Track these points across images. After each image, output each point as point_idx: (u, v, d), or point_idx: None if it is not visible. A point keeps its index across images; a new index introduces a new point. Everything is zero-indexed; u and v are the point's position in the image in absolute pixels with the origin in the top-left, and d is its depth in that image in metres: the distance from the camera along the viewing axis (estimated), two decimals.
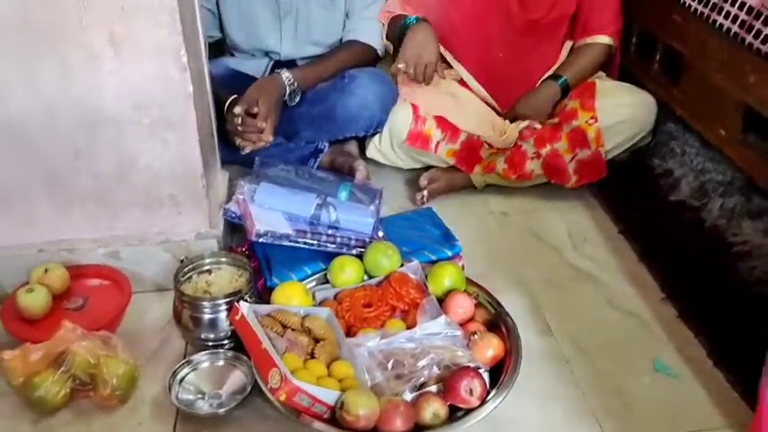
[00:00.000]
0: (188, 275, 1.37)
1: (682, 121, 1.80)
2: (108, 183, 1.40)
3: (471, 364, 1.20)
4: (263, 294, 1.40)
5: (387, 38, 1.92)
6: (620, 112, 1.81)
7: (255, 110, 1.70)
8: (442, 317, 1.28)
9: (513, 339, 1.28)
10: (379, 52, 1.97)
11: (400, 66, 1.77)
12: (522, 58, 1.90)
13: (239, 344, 1.26)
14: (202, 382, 1.26)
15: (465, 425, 1.14)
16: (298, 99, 1.84)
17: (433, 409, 1.14)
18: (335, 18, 1.92)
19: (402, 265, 1.41)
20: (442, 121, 1.82)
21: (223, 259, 1.41)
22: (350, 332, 1.30)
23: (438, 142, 1.83)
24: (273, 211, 1.46)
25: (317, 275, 1.43)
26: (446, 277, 1.38)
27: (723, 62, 1.59)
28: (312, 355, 1.22)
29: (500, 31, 1.85)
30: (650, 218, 1.75)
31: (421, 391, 1.19)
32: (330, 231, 1.45)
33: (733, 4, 1.55)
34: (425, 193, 1.83)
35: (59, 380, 1.19)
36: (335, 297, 1.37)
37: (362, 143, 1.95)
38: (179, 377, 1.26)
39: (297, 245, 1.43)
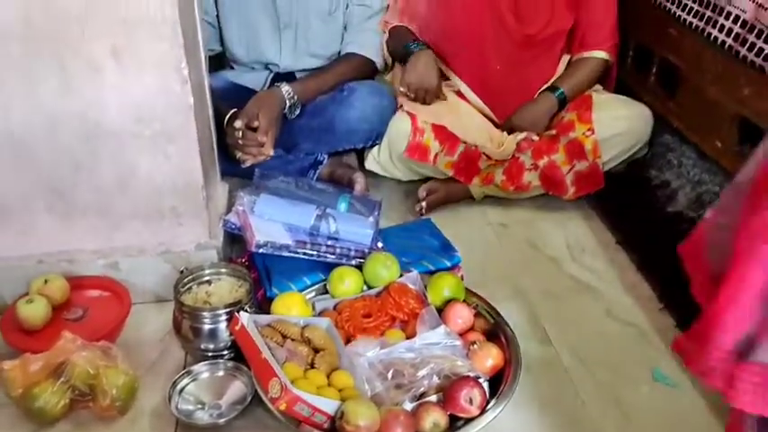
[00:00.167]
0: (188, 286, 1.37)
1: (678, 133, 1.82)
2: (109, 194, 1.41)
3: (471, 374, 1.20)
4: (262, 305, 1.40)
5: (387, 47, 1.95)
6: (616, 125, 1.83)
7: (256, 124, 1.72)
8: (442, 327, 1.28)
9: (512, 349, 1.29)
10: (378, 65, 1.99)
11: (402, 89, 1.86)
12: (519, 72, 1.92)
13: (239, 354, 1.26)
14: (202, 393, 1.26)
15: None
16: (297, 112, 1.86)
17: (434, 419, 1.14)
18: (334, 30, 1.95)
19: (401, 276, 1.42)
20: (440, 133, 1.84)
21: (223, 270, 1.41)
22: (349, 342, 1.30)
23: (436, 154, 1.84)
24: (273, 222, 1.47)
25: (316, 286, 1.44)
26: (445, 287, 1.39)
27: (718, 75, 1.61)
28: (312, 365, 1.22)
29: (497, 45, 1.87)
30: (648, 229, 1.76)
31: (421, 401, 1.19)
32: (330, 242, 1.46)
33: (727, 18, 1.57)
34: (424, 204, 1.84)
35: (59, 390, 1.19)
36: (335, 307, 1.37)
37: (361, 155, 1.96)
38: (179, 387, 1.26)
39: (296, 255, 1.44)
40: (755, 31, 1.48)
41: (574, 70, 1.92)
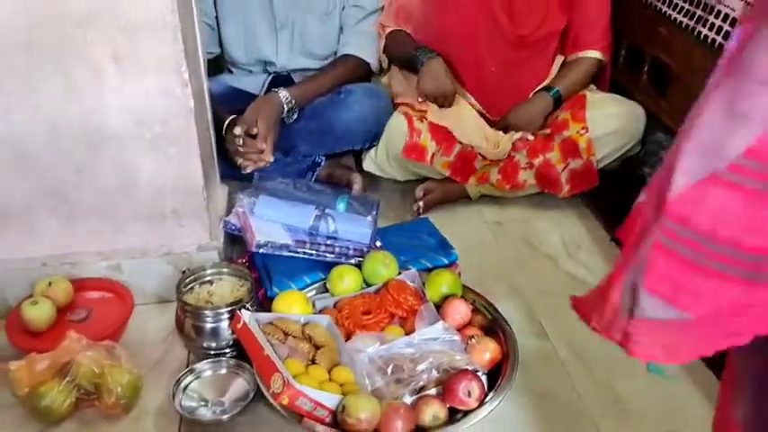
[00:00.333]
0: (190, 286, 1.39)
1: (670, 131, 1.84)
2: (111, 197, 1.43)
3: (469, 367, 1.22)
4: (263, 304, 1.42)
5: (384, 51, 1.97)
6: (610, 123, 1.85)
7: (255, 130, 1.74)
8: (440, 322, 1.30)
9: (509, 343, 1.31)
10: (373, 67, 2.01)
11: (420, 100, 1.87)
12: (514, 72, 1.95)
13: (241, 352, 1.28)
14: (205, 390, 1.28)
15: (464, 426, 1.17)
16: (295, 116, 1.88)
17: (433, 412, 1.16)
18: (330, 31, 1.97)
19: (400, 274, 1.44)
20: (436, 133, 1.86)
21: (224, 270, 1.43)
22: (350, 339, 1.32)
23: (433, 154, 1.86)
24: (273, 222, 1.49)
25: (316, 285, 1.45)
26: (443, 284, 1.41)
27: (709, 72, 1.62)
28: (313, 362, 1.24)
29: (491, 46, 1.90)
30: None
31: (420, 395, 1.21)
32: (329, 242, 1.48)
33: (717, 16, 1.59)
34: (421, 204, 1.86)
35: (65, 389, 1.21)
36: (335, 305, 1.39)
37: (359, 157, 1.98)
38: (182, 385, 1.27)
39: (296, 255, 1.46)
40: None
41: (568, 70, 1.95)
